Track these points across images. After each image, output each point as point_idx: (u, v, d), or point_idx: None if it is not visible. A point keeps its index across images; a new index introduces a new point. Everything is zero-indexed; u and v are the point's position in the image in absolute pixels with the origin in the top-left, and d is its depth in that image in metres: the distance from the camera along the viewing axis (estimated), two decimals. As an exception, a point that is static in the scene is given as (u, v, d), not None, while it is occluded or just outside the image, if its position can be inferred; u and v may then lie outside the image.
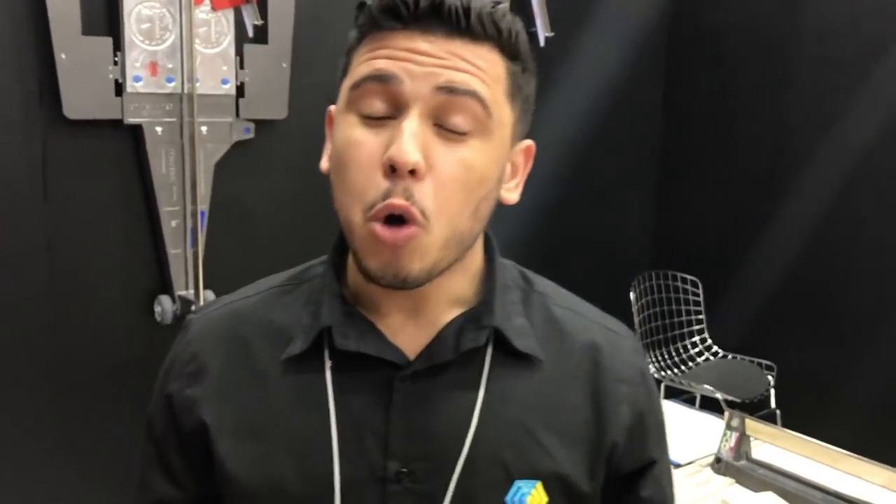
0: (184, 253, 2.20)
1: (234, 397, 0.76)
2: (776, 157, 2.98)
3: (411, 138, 0.65)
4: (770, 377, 2.81)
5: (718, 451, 1.76)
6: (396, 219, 0.66)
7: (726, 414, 1.78)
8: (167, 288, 2.20)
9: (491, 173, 0.70)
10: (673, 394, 2.95)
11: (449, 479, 0.71)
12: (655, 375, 2.88)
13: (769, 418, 2.70)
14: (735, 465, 1.72)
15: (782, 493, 1.61)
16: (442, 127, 0.67)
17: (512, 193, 0.75)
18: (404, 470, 0.71)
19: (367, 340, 0.73)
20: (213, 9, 2.15)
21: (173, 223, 2.18)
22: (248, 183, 2.30)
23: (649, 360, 2.92)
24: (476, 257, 0.77)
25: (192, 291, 2.21)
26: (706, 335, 3.07)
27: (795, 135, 2.92)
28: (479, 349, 0.74)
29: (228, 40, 2.20)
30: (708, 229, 3.23)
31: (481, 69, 0.68)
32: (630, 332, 0.84)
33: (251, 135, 2.27)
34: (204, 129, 2.19)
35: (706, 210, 3.24)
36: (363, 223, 0.67)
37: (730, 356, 3.02)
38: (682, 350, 3.05)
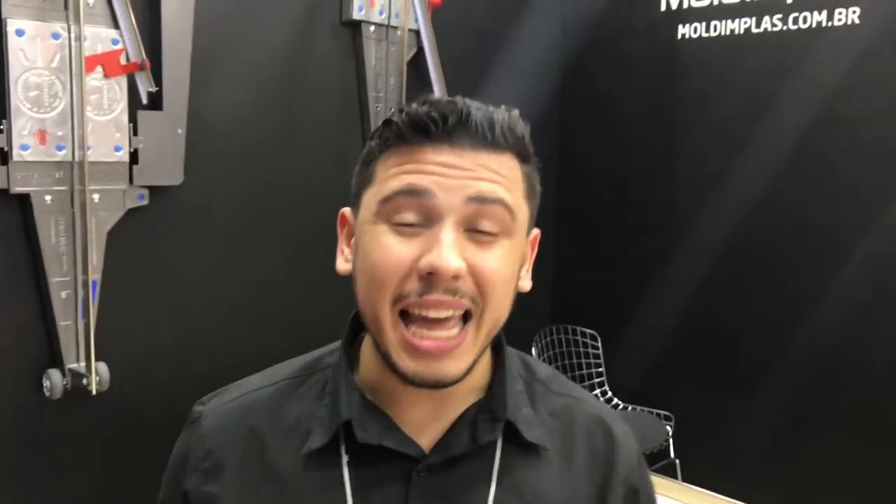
0: (75, 324, 2.12)
1: (253, 494, 0.76)
2: (667, 213, 3.11)
3: (450, 246, 0.69)
4: (668, 427, 2.88)
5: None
6: (436, 323, 0.70)
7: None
8: (57, 361, 2.12)
9: (516, 267, 0.76)
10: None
11: None
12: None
13: (669, 468, 2.78)
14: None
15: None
16: (473, 233, 0.72)
17: (525, 281, 0.80)
18: None
19: (387, 434, 0.75)
20: (106, 76, 2.12)
21: (63, 294, 2.11)
22: (143, 251, 2.25)
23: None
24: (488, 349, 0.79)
25: (83, 364, 2.13)
26: (606, 387, 3.15)
27: (684, 191, 3.06)
28: (492, 441, 0.77)
29: (122, 107, 2.16)
30: (605, 284, 3.33)
31: (505, 177, 0.73)
32: (618, 415, 0.90)
33: (145, 201, 2.23)
34: (96, 196, 2.13)
35: (602, 265, 3.34)
36: (394, 322, 0.71)
37: (629, 408, 3.09)
38: (584, 403, 3.11)
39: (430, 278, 0.69)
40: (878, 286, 2.62)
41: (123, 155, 2.18)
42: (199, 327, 2.37)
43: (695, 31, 2.98)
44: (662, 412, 2.94)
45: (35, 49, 2.01)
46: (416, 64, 2.83)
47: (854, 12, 2.59)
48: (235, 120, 2.41)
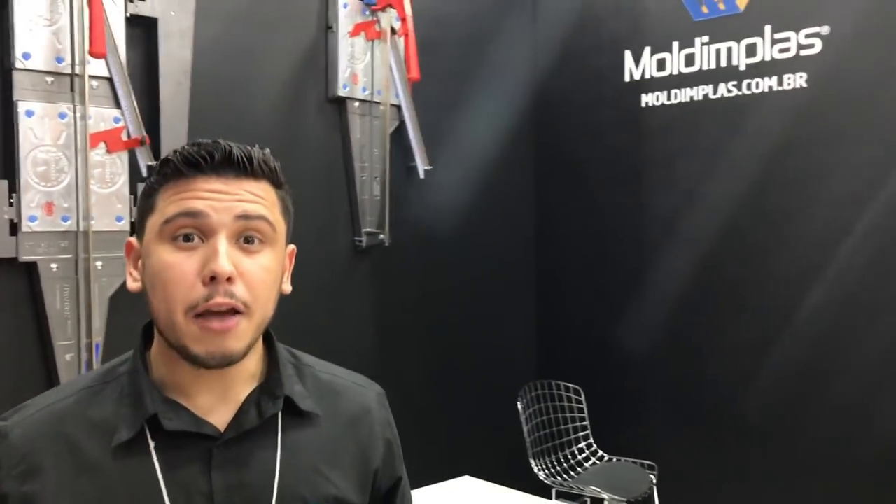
0: (78, 386, 2.23)
1: (72, 487, 0.87)
2: (641, 270, 3.26)
3: (224, 255, 0.85)
4: (652, 476, 2.97)
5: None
6: (219, 315, 0.85)
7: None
8: (60, 422, 2.21)
9: (279, 271, 0.93)
10: (564, 497, 3.07)
11: None
12: (546, 481, 3.00)
13: (653, 514, 2.85)
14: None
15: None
16: (243, 243, 0.88)
17: (286, 285, 0.98)
18: None
19: (187, 420, 0.90)
20: (109, 151, 2.28)
21: (68, 357, 2.22)
22: (143, 314, 2.37)
23: (539, 467, 3.05)
24: (260, 341, 0.96)
25: (86, 424, 2.22)
26: (591, 440, 3.24)
27: (656, 248, 3.21)
28: (274, 414, 0.94)
29: (123, 180, 2.32)
30: (586, 340, 3.45)
31: (264, 199, 0.90)
32: (373, 383, 1.10)
33: (145, 268, 2.36)
34: (99, 264, 2.27)
35: (583, 322, 3.47)
36: (187, 321, 0.85)
37: (614, 459, 3.18)
38: (570, 456, 3.20)
39: (212, 283, 0.84)
40: (829, 333, 2.75)
41: (125, 224, 2.32)
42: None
43: (657, 99, 3.19)
44: (646, 462, 3.03)
45: (43, 128, 2.17)
46: (398, 135, 3.02)
47: (801, 77, 2.80)
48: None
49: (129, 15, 2.32)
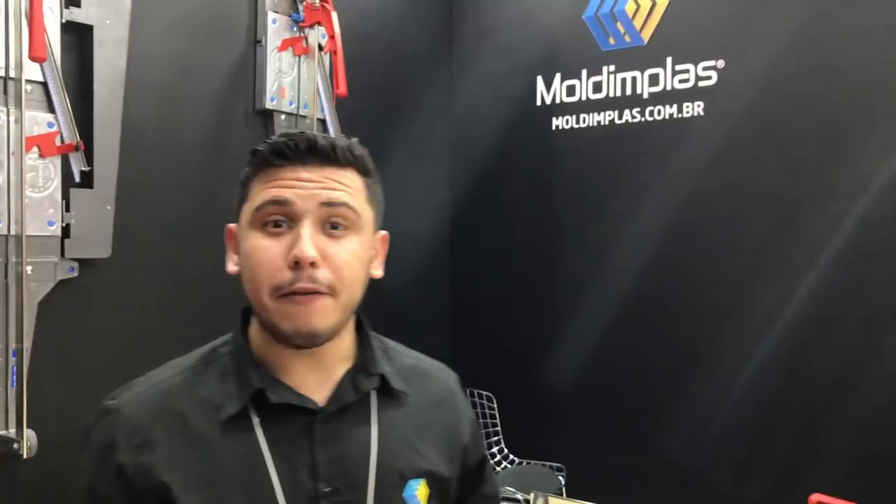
0: (5, 392, 2.20)
1: (184, 458, 0.92)
2: (551, 283, 3.45)
3: (308, 240, 0.90)
4: (561, 477, 3.14)
5: (529, 528, 2.02)
6: (303, 295, 0.91)
7: (532, 495, 2.06)
8: (-14, 428, 2.17)
9: (365, 256, 0.98)
10: (479, 501, 3.19)
11: (365, 489, 0.96)
12: (462, 485, 3.11)
13: (564, 513, 3.01)
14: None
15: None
16: (329, 229, 0.93)
17: (378, 270, 1.03)
18: (329, 488, 0.94)
19: (289, 394, 0.96)
20: (42, 156, 2.27)
21: (-5, 362, 2.19)
22: (72, 319, 2.36)
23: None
24: (352, 324, 1.03)
25: (13, 431, 2.19)
26: (503, 445, 3.38)
27: (564, 262, 3.40)
28: (368, 392, 1.01)
29: (55, 185, 2.31)
30: (499, 349, 3.60)
31: (348, 186, 0.95)
32: (448, 368, 1.18)
33: (75, 273, 2.35)
34: (29, 268, 2.25)
35: (496, 332, 3.62)
36: (274, 301, 0.91)
37: (525, 462, 3.33)
38: (483, 461, 3.33)
39: (296, 267, 0.90)
40: (748, 355, 2.96)
41: (56, 229, 2.31)
42: (125, 393, 2.46)
43: (566, 122, 3.39)
44: (555, 464, 3.20)
45: (-23, 130, 2.15)
46: (323, 149, 3.09)
47: (699, 106, 3.06)
48: (160, 198, 2.59)
49: (64, 21, 2.32)
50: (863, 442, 2.40)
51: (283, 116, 2.95)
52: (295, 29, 2.97)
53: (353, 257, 0.94)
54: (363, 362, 1.02)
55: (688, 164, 3.07)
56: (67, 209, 2.33)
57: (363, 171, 0.99)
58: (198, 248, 2.68)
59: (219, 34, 2.78)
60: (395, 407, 1.03)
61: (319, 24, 2.97)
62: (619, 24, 3.26)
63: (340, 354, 1.01)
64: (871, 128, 2.69)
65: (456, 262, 3.75)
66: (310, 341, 0.93)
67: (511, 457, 3.37)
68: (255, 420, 0.94)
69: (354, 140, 0.99)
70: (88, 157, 2.36)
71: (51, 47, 2.26)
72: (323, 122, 3.08)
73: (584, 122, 3.35)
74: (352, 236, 0.95)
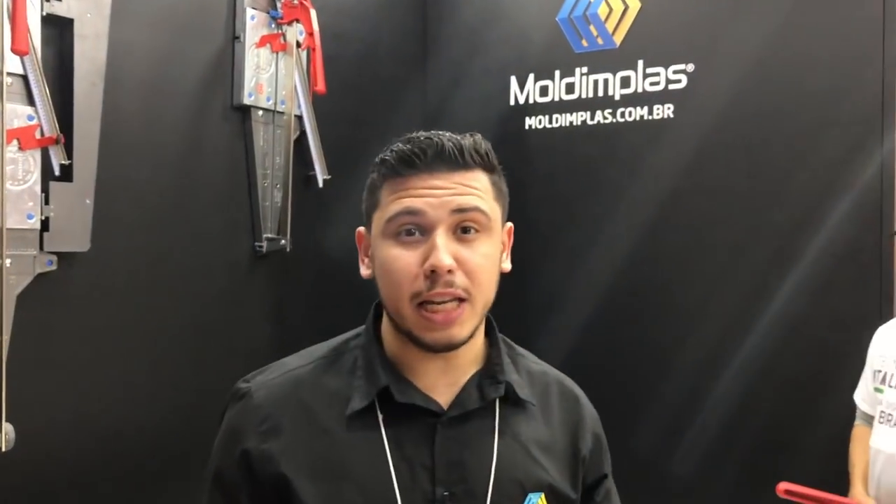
0: (-18, 385, 2.19)
1: (307, 448, 0.93)
2: (524, 283, 3.50)
3: (443, 249, 0.90)
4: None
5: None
6: (441, 305, 0.91)
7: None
8: (-36, 421, 2.17)
9: (497, 255, 0.98)
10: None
11: (484, 498, 0.95)
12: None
13: None
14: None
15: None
16: (461, 234, 0.93)
17: (506, 263, 1.03)
18: (447, 493, 0.94)
19: (415, 395, 0.96)
20: (21, 149, 2.27)
21: (-26, 354, 2.18)
22: (51, 313, 2.36)
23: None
24: (482, 326, 1.01)
25: (-9, 423, 2.19)
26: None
27: (535, 260, 3.45)
28: (493, 399, 0.99)
29: (35, 178, 2.30)
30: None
31: (478, 189, 0.95)
32: (575, 384, 1.15)
33: (54, 267, 2.35)
34: (8, 261, 2.24)
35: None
36: (412, 310, 0.92)
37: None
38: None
39: (433, 275, 0.90)
40: (720, 353, 3.02)
41: (35, 222, 2.31)
42: (103, 383, 2.47)
43: (539, 122, 3.45)
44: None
45: (-43, 122, 2.14)
46: (300, 145, 3.12)
47: (669, 108, 3.13)
48: (138, 192, 2.59)
49: (45, 14, 2.32)
50: (833, 438, 2.48)
51: (260, 112, 2.97)
52: (273, 25, 2.99)
53: (487, 260, 0.94)
54: (491, 368, 1.01)
55: (658, 166, 3.15)
56: (47, 202, 2.33)
57: (489, 169, 0.98)
58: (176, 242, 2.69)
59: (198, 29, 2.79)
60: (520, 416, 1.01)
61: (298, 20, 3.00)
62: (591, 27, 3.32)
63: (470, 357, 1.00)
64: (839, 130, 2.78)
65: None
66: (447, 349, 0.94)
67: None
68: (380, 417, 0.94)
69: (478, 136, 0.99)
70: (68, 150, 2.37)
71: (31, 40, 2.26)
72: (300, 118, 3.11)
73: (556, 122, 3.41)
74: (484, 238, 0.94)
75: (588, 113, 3.33)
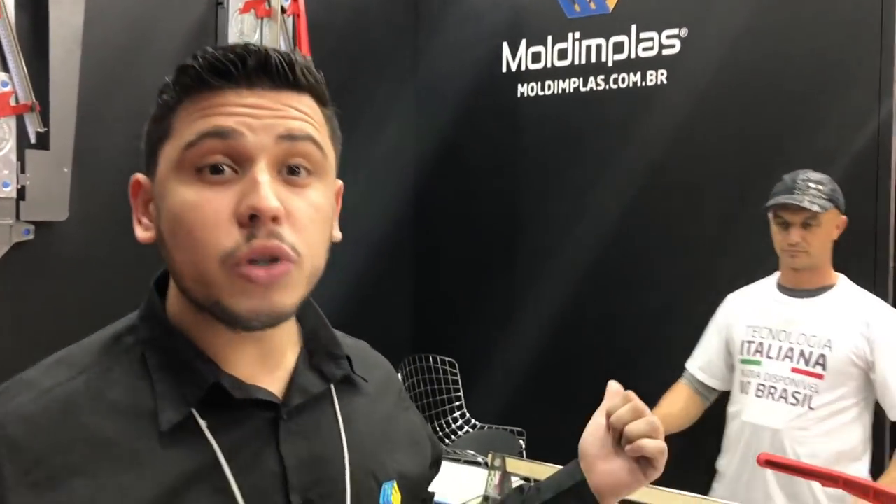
0: (-41, 355, 2.18)
1: (116, 487, 0.68)
2: (515, 250, 3.46)
3: (268, 187, 0.68)
4: (521, 441, 3.18)
5: (485, 489, 2.05)
6: (264, 261, 0.69)
7: (490, 456, 2.08)
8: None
9: (330, 211, 0.77)
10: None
11: (343, 497, 0.78)
12: (424, 449, 3.15)
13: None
14: (500, 501, 2.02)
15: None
16: (287, 175, 0.71)
17: (336, 231, 0.80)
18: (303, 501, 0.75)
19: (246, 388, 0.74)
20: (-5, 115, 2.23)
21: (-50, 324, 2.16)
22: (28, 282, 2.34)
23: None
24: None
25: (-32, 393, 2.17)
26: (465, 410, 3.42)
27: (528, 231, 3.42)
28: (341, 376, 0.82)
29: (10, 146, 2.27)
30: (461, 316, 3.62)
31: (310, 116, 0.73)
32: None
33: (31, 236, 2.32)
34: (-17, 230, 2.22)
35: (458, 299, 3.64)
36: (223, 274, 0.68)
37: (486, 427, 3.37)
38: (445, 425, 3.37)
39: (252, 224, 0.68)
40: (705, 322, 3.01)
41: (11, 191, 2.28)
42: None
43: (532, 89, 3.39)
44: (516, 428, 3.24)
45: (-73, 88, 2.11)
46: (286, 114, 3.06)
47: (662, 74, 3.07)
48: (118, 161, 2.55)
49: (18, -22, 2.28)
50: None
51: (245, 79, 2.91)
52: (257, -10, 2.93)
53: (319, 213, 0.73)
54: (325, 343, 0.83)
55: (650, 134, 3.09)
56: (23, 171, 2.29)
57: (323, 100, 0.77)
58: (158, 211, 2.65)
59: (179, -6, 2.74)
60: (356, 397, 0.85)
61: (282, -15, 2.94)
62: (584, -8, 3.25)
63: (289, 338, 0.81)
64: (834, 95, 2.72)
65: (420, 227, 3.75)
66: (269, 323, 0.72)
67: (473, 421, 3.40)
68: (203, 424, 0.72)
69: (309, 58, 0.80)
70: (44, 117, 2.32)
71: (4, 5, 2.21)
72: (286, 85, 3.05)
73: (549, 89, 3.35)
74: (317, 184, 0.73)
75: (580, 80, 3.26)
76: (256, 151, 0.69)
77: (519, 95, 3.42)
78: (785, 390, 2.08)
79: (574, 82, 3.28)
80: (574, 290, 3.31)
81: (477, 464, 2.87)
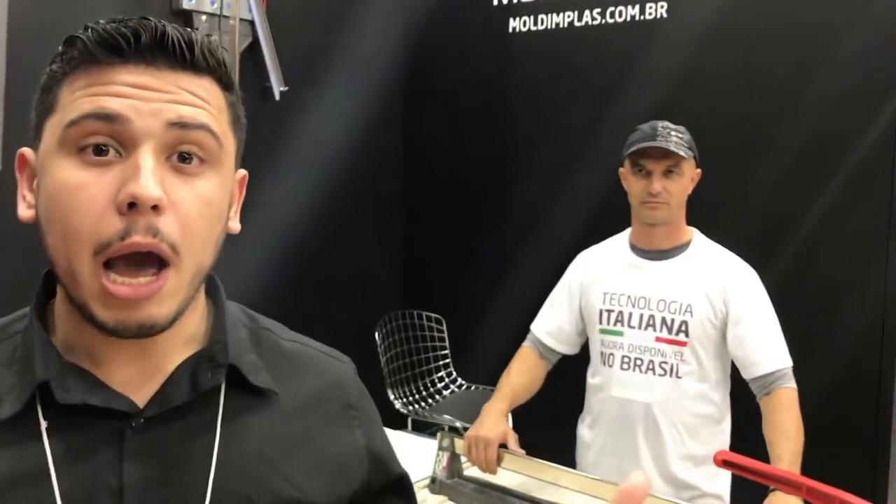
0: None
1: None
2: (506, 199, 3.25)
3: (150, 173, 0.63)
4: (508, 403, 3.01)
5: (433, 471, 1.88)
6: (138, 258, 0.64)
7: (438, 435, 1.91)
8: None
9: (224, 204, 0.70)
10: (420, 426, 3.09)
11: None
12: (402, 410, 3.00)
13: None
14: (448, 483, 1.84)
15: (490, 505, 1.74)
16: (176, 162, 0.66)
17: (235, 222, 0.75)
18: None
19: (91, 391, 0.68)
20: None
21: None
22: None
23: (396, 396, 3.04)
24: (202, 294, 0.74)
25: None
26: (451, 369, 3.25)
27: (519, 179, 3.19)
28: (215, 389, 0.72)
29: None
30: (451, 271, 3.43)
31: (207, 101, 0.67)
32: (349, 359, 0.86)
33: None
34: None
35: (448, 253, 3.44)
36: (93, 271, 0.64)
37: (473, 387, 3.20)
38: (429, 385, 3.21)
39: (130, 213, 0.63)
40: None
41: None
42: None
43: (524, 24, 3.12)
44: (503, 390, 3.07)
45: None
46: (251, 54, 2.86)
47: (662, 7, 2.79)
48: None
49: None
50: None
51: (203, 17, 2.71)
52: (215, -82, 2.70)
53: (209, 208, 0.67)
54: (211, 348, 0.74)
55: (649, 72, 2.83)
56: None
57: (227, 85, 0.70)
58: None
59: (124, -76, 2.52)
60: (255, 409, 0.75)
61: (242, -88, 2.70)
62: (581, -86, 2.95)
63: (182, 337, 0.73)
64: (852, 30, 2.46)
65: (409, 177, 3.55)
66: (141, 334, 0.66)
67: (459, 381, 3.24)
68: (43, 424, 0.67)
69: (213, 38, 0.75)
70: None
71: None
72: (251, 23, 2.84)
73: (542, 23, 3.08)
74: (209, 175, 0.67)
75: (576, 13, 3.00)
76: (142, 136, 0.64)
77: (510, 30, 3.16)
78: (651, 361, 1.95)
79: (568, 16, 3.02)
80: (569, 243, 3.06)
81: (455, 430, 2.71)
